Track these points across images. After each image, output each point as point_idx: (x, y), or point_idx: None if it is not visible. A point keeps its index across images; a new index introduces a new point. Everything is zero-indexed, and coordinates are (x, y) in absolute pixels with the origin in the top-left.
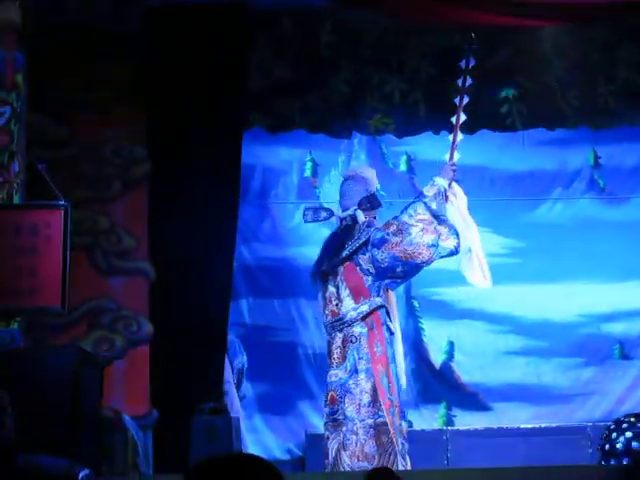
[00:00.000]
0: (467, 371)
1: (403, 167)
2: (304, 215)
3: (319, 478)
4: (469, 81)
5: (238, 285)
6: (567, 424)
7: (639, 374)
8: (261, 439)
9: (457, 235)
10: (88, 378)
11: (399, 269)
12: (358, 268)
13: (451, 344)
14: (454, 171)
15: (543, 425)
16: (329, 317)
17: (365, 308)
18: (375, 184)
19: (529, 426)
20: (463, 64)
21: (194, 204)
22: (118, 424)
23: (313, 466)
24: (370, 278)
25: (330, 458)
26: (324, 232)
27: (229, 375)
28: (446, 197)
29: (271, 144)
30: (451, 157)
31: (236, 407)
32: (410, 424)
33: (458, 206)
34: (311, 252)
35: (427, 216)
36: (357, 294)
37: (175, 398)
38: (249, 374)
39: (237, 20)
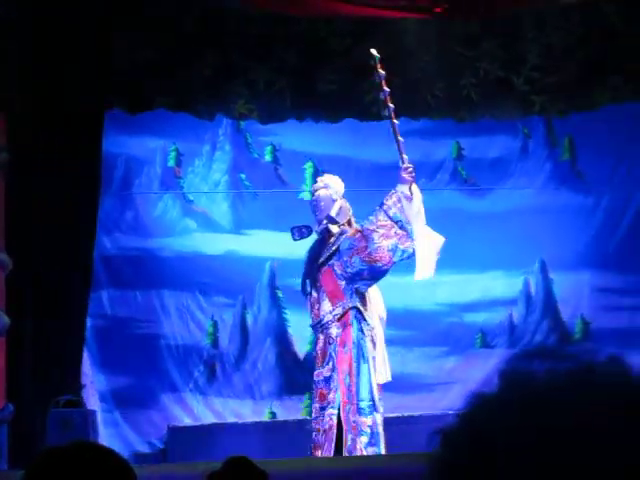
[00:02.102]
0: None
1: (268, 157)
2: (292, 235)
3: (180, 469)
4: (387, 91)
5: (99, 276)
6: (431, 413)
7: (500, 363)
8: (122, 432)
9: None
10: None
11: (365, 273)
12: (333, 273)
13: None
14: (411, 173)
15: (407, 414)
16: (313, 320)
17: (339, 310)
18: (340, 190)
19: (393, 415)
20: (377, 79)
21: (52, 193)
22: None
23: (175, 459)
24: (344, 282)
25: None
26: (188, 223)
27: (87, 368)
28: (409, 199)
29: (135, 132)
30: (403, 161)
31: (94, 401)
32: (274, 415)
33: (415, 205)
34: (174, 243)
35: (387, 222)
36: (333, 297)
37: (32, 391)
38: (111, 366)
39: (100, 1)
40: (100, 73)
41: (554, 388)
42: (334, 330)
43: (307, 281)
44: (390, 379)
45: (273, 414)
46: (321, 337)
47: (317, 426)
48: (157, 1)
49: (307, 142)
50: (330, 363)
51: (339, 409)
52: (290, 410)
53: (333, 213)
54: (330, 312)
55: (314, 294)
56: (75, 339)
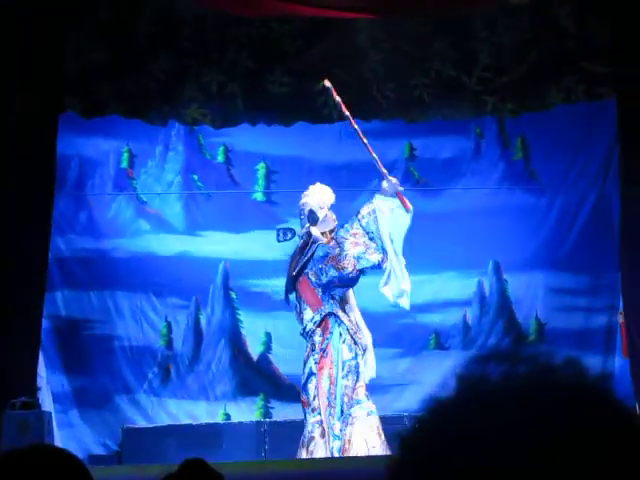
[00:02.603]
0: (285, 362)
1: (221, 158)
2: (277, 236)
3: (134, 471)
4: (348, 114)
5: (53, 277)
6: (385, 414)
7: (454, 364)
8: (76, 433)
9: (384, 252)
10: None
11: (336, 280)
12: (309, 282)
13: (268, 335)
14: (395, 185)
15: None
16: (300, 329)
17: (318, 317)
18: (327, 200)
19: None
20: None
21: (6, 193)
22: None
23: (130, 460)
24: (320, 289)
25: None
26: (141, 224)
27: (42, 370)
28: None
29: (88, 134)
30: (383, 175)
31: (48, 402)
32: (228, 416)
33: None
34: (128, 244)
35: (359, 231)
36: (313, 305)
37: None
38: (65, 367)
39: (54, 3)
40: (53, 75)
41: (511, 391)
42: (317, 338)
43: (289, 291)
44: (374, 375)
45: (227, 415)
46: (308, 345)
47: (305, 430)
48: (109, 3)
49: (260, 143)
50: (308, 370)
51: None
52: (244, 411)
53: (324, 216)
54: (310, 320)
55: (295, 302)
56: (30, 340)
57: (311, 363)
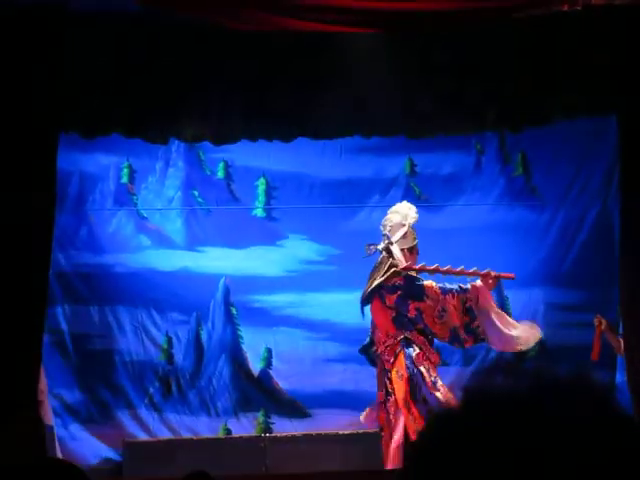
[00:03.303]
0: (285, 378)
1: (221, 174)
2: (365, 251)
3: None
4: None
5: (54, 292)
6: None
7: (455, 380)
8: (77, 447)
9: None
10: None
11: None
12: (382, 304)
13: (269, 351)
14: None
15: (361, 431)
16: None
17: (390, 342)
18: (410, 218)
19: (347, 432)
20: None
21: (6, 211)
22: None
23: (131, 473)
24: (394, 313)
25: None
26: (142, 240)
27: (43, 384)
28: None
29: (88, 149)
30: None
31: (50, 416)
32: (229, 432)
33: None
34: (128, 259)
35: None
36: (383, 328)
37: None
38: (67, 382)
39: (53, 21)
40: (52, 94)
41: (516, 403)
42: (387, 357)
43: (363, 304)
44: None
45: (228, 430)
46: (378, 362)
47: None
48: (107, 21)
49: (260, 158)
50: (384, 389)
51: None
52: (245, 427)
53: (397, 237)
54: (383, 342)
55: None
56: (31, 355)
57: (387, 383)
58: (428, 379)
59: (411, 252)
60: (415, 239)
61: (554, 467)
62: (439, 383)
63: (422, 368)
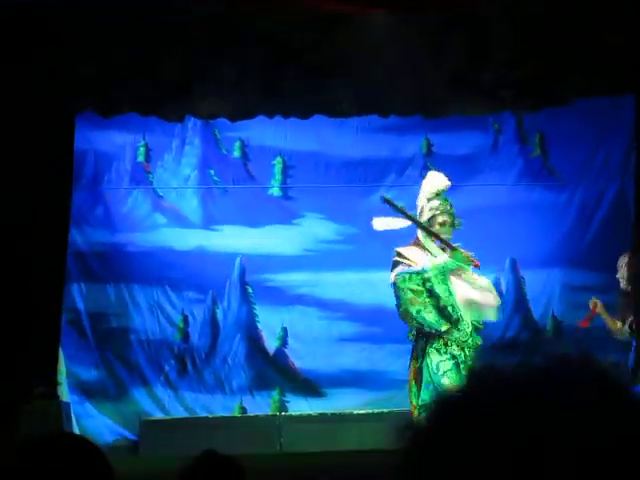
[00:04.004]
0: (300, 357)
1: (237, 153)
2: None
3: (151, 461)
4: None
5: (70, 270)
6: (401, 409)
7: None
8: (94, 424)
9: None
10: None
11: None
12: None
13: (285, 330)
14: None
15: (376, 411)
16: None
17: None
18: (430, 189)
19: (362, 412)
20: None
21: (24, 189)
22: None
23: (147, 451)
24: None
25: None
26: (158, 218)
27: (61, 363)
28: None
29: (104, 128)
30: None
31: (67, 394)
32: (244, 410)
33: None
34: (144, 238)
35: None
36: None
37: (7, 384)
38: (83, 360)
39: (68, 4)
40: (70, 74)
41: (521, 382)
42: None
43: None
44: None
45: (243, 409)
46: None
47: None
48: (124, 3)
49: (276, 138)
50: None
51: None
52: (260, 405)
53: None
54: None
55: None
56: (49, 334)
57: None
58: None
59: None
60: (436, 210)
61: (556, 453)
62: None
63: None
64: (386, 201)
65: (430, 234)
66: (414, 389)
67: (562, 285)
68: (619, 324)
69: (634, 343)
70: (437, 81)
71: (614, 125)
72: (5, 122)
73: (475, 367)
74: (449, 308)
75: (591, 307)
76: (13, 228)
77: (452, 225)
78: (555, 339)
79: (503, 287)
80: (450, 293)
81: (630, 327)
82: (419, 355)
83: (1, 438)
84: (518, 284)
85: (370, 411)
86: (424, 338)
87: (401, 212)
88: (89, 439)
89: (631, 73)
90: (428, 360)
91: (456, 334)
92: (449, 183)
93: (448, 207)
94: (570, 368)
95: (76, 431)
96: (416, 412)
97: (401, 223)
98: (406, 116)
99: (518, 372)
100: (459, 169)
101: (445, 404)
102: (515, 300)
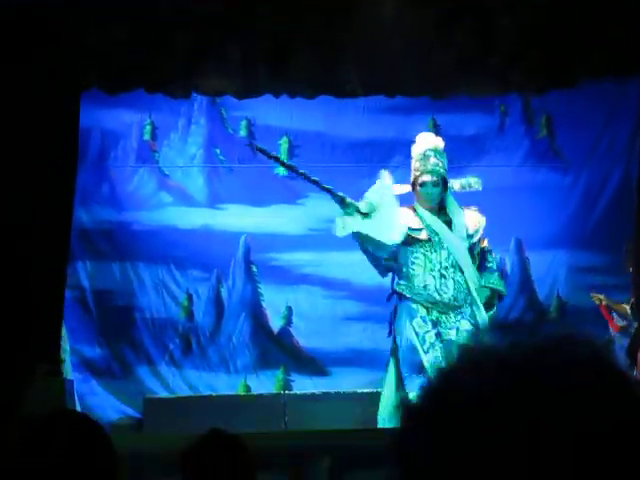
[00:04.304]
0: (305, 336)
1: (243, 132)
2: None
3: (155, 439)
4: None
5: (75, 248)
6: None
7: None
8: (98, 402)
9: None
10: None
11: None
12: None
13: (289, 309)
14: None
15: (381, 390)
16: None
17: None
18: (414, 150)
19: (367, 391)
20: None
21: (29, 167)
22: None
23: (151, 429)
24: None
25: None
26: (163, 197)
27: (64, 341)
28: None
29: (110, 106)
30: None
31: (70, 372)
32: (249, 388)
33: None
34: (149, 216)
35: None
36: None
37: (9, 362)
38: (87, 338)
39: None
40: (75, 51)
41: (514, 360)
42: None
43: None
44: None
45: (248, 387)
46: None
47: None
48: None
49: (282, 117)
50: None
51: None
52: (264, 384)
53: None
54: None
55: None
56: (53, 311)
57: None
58: None
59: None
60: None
61: (554, 438)
62: None
63: None
64: (259, 150)
65: (310, 182)
66: None
67: (567, 266)
68: (627, 308)
69: (634, 325)
70: (444, 62)
71: (620, 109)
72: (10, 100)
73: (469, 347)
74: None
75: (597, 303)
76: (17, 208)
77: (439, 185)
78: (559, 320)
79: (508, 268)
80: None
81: (631, 308)
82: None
83: (4, 417)
84: (523, 265)
85: (374, 390)
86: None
87: (276, 160)
88: (90, 417)
89: (638, 56)
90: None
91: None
92: (434, 143)
93: (430, 167)
94: (566, 349)
95: (79, 409)
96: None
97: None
98: (413, 97)
99: (513, 353)
100: (465, 150)
101: (439, 385)
102: (520, 281)
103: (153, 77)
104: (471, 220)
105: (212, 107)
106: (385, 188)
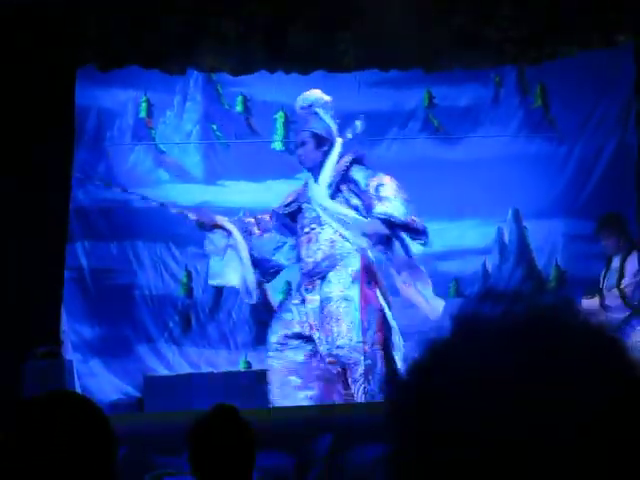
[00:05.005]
0: None
1: (239, 108)
2: None
3: (156, 418)
4: None
5: (73, 228)
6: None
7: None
8: (98, 382)
9: None
10: None
11: None
12: None
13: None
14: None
15: None
16: None
17: None
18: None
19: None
20: None
21: (25, 148)
22: None
23: (151, 408)
24: None
25: None
26: (161, 174)
27: (65, 325)
28: None
29: (106, 84)
30: None
31: (69, 352)
32: (249, 365)
33: None
34: (147, 194)
35: None
36: None
37: (8, 343)
38: (86, 317)
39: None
40: (70, 28)
41: (506, 330)
42: None
43: None
44: None
45: (248, 364)
46: None
47: None
48: None
49: (278, 92)
50: None
51: None
52: (265, 360)
53: None
54: None
55: None
56: (52, 291)
57: None
58: None
59: None
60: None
61: (539, 395)
62: None
63: None
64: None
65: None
66: None
67: (565, 235)
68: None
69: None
70: (439, 35)
71: (614, 78)
72: (10, 100)
73: (460, 316)
74: None
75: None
76: (14, 185)
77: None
78: (559, 289)
79: (506, 237)
80: None
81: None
82: None
83: (4, 397)
84: (521, 234)
85: None
86: None
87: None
88: (89, 398)
89: (632, 24)
90: None
91: None
92: (310, 97)
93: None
94: (557, 317)
95: (78, 389)
96: None
97: None
98: (407, 70)
99: (504, 322)
100: (460, 121)
101: (431, 351)
102: (518, 250)
103: (149, 54)
104: None
105: (208, 84)
106: None
